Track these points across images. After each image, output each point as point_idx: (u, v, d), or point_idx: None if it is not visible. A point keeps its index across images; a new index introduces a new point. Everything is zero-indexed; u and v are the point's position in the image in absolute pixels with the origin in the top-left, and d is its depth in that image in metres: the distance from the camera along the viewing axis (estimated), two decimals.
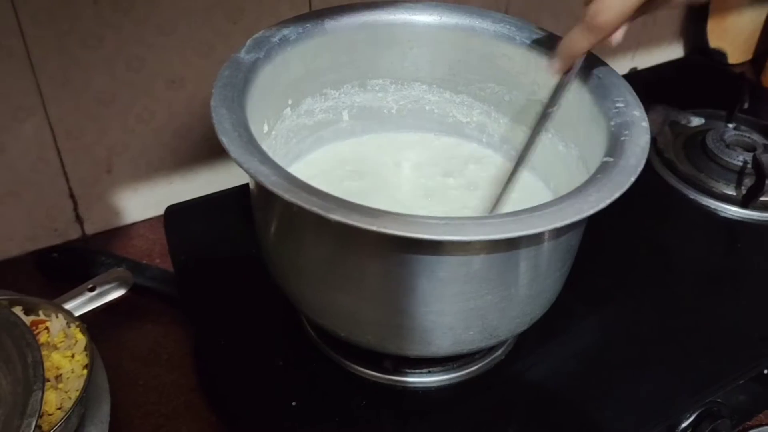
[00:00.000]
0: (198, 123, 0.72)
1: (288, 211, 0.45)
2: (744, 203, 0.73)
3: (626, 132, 0.45)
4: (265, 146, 0.53)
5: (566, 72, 0.50)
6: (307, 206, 0.37)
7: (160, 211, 0.71)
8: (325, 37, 0.56)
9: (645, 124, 0.46)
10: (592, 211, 0.39)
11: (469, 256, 0.41)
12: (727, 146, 0.78)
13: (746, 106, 0.85)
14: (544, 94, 0.55)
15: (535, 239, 0.42)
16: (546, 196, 0.59)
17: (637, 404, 0.54)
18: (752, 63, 1.13)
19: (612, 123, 0.47)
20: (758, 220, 0.73)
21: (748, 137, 0.80)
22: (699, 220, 0.74)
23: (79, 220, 0.71)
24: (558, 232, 0.43)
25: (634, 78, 1.04)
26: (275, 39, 0.53)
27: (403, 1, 0.58)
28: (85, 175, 0.68)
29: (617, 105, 0.48)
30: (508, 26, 0.55)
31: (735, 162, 0.76)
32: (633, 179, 0.41)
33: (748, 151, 0.78)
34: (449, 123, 0.63)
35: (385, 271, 0.43)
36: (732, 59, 1.11)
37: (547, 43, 0.54)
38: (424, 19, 0.58)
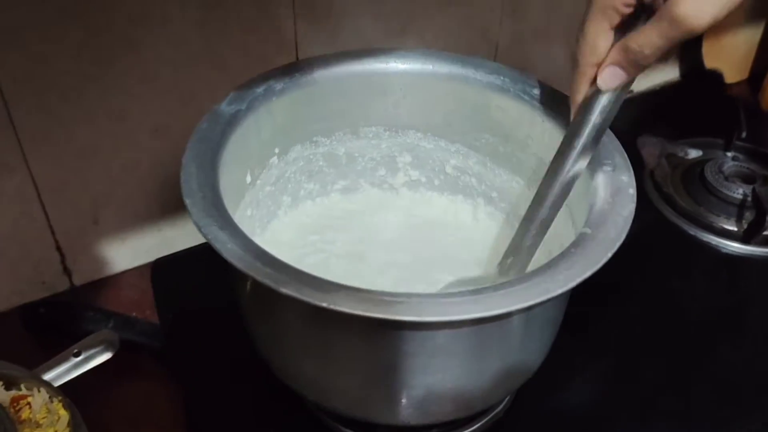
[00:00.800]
0: None
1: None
2: (745, 239, 0.72)
3: (610, 200, 0.43)
4: (248, 197, 0.53)
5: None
6: (259, 278, 0.37)
7: (150, 258, 0.70)
8: (314, 86, 0.54)
9: (632, 191, 0.44)
10: (560, 291, 0.37)
11: (432, 331, 0.40)
12: (726, 179, 0.77)
13: (744, 134, 0.84)
14: (538, 148, 0.53)
15: (501, 316, 0.40)
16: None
17: None
18: (749, 82, 1.12)
19: (596, 188, 0.45)
20: (761, 256, 0.71)
21: (747, 168, 0.79)
22: (700, 258, 0.72)
23: (66, 272, 0.69)
24: (528, 308, 0.41)
25: (630, 103, 1.03)
26: (260, 90, 0.52)
27: (394, 50, 0.56)
28: (71, 227, 0.66)
29: (605, 168, 0.46)
30: (502, 78, 0.54)
31: (734, 195, 0.75)
32: (610, 255, 0.39)
33: (748, 183, 0.76)
34: (447, 173, 0.62)
35: (345, 341, 0.42)
36: (729, 78, 1.10)
37: (541, 97, 0.52)
38: (417, 68, 0.56)
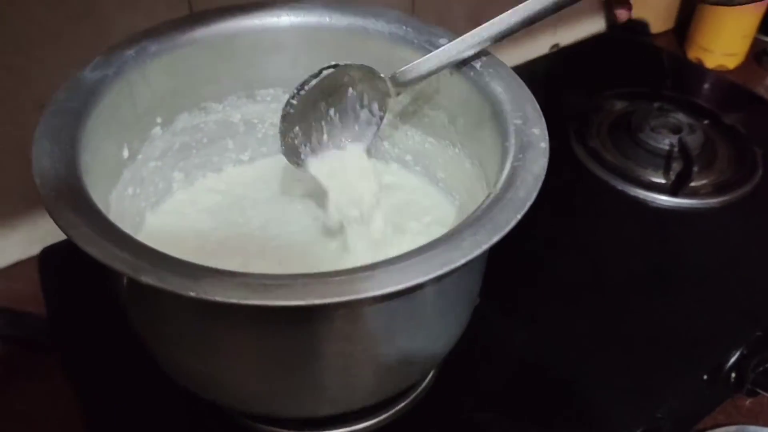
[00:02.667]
0: None
1: None
2: (673, 191, 0.69)
3: (520, 156, 0.39)
4: (128, 173, 0.47)
5: None
6: (114, 265, 0.32)
7: (46, 245, 0.64)
8: (194, 45, 0.48)
9: (544, 144, 0.40)
10: (463, 261, 0.33)
11: (326, 314, 0.35)
12: (653, 129, 0.74)
13: (669, 83, 0.81)
14: (448, 103, 0.49)
15: (399, 293, 0.35)
16: (450, 215, 0.53)
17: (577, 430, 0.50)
18: (674, 31, 1.10)
19: (506, 144, 0.41)
20: (689, 208, 0.69)
21: (673, 117, 0.77)
22: (628, 213, 0.69)
23: None
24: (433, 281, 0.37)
25: (556, 57, 1.00)
26: (130, 52, 0.45)
27: (286, 2, 0.51)
28: None
29: (515, 121, 0.42)
30: (404, 27, 0.49)
31: (661, 146, 0.73)
32: (519, 217, 0.35)
33: (675, 133, 0.74)
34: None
35: (231, 332, 0.37)
36: (654, 28, 1.08)
37: (449, 47, 0.47)
38: (312, 20, 0.51)
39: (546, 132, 0.41)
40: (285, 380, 0.39)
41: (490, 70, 0.45)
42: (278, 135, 0.56)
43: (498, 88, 0.44)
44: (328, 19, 0.50)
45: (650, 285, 0.62)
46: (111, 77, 0.43)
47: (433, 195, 0.55)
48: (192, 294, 0.30)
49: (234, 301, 0.30)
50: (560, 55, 1.00)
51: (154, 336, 0.41)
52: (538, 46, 1.00)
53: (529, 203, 0.36)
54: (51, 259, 0.60)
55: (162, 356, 0.43)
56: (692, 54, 1.01)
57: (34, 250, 0.66)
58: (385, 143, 0.57)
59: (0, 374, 0.56)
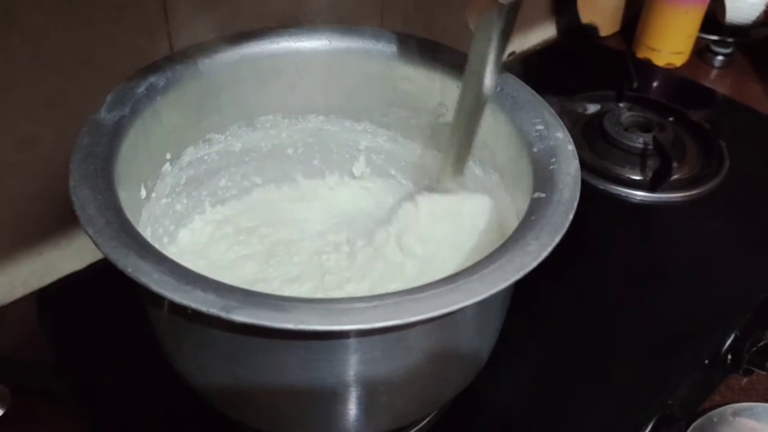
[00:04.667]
0: (61, 183, 0.62)
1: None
2: (652, 187, 0.72)
3: (552, 159, 0.41)
4: (146, 213, 0.47)
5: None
6: (204, 309, 0.31)
7: (31, 287, 0.62)
8: (199, 78, 0.48)
9: (571, 147, 0.42)
10: (535, 264, 0.34)
11: (404, 331, 0.36)
12: (626, 129, 0.77)
13: (635, 85, 0.84)
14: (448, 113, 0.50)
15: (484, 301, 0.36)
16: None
17: (592, 428, 0.51)
18: (621, 33, 1.15)
19: (535, 149, 0.42)
20: (668, 202, 0.72)
21: (642, 116, 0.80)
22: (611, 210, 0.72)
23: None
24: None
25: (515, 64, 1.03)
26: (141, 90, 0.45)
27: (285, 28, 0.51)
28: None
29: (537, 127, 0.44)
30: (406, 47, 0.50)
31: (636, 145, 0.76)
32: (571, 216, 0.37)
33: (646, 131, 0.77)
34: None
35: (299, 358, 0.37)
36: (603, 32, 1.12)
37: (452, 62, 0.49)
38: (312, 45, 0.51)
39: (569, 135, 0.43)
40: (336, 400, 0.39)
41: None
42: (278, 160, 0.57)
43: (510, 97, 0.46)
44: (328, 42, 0.51)
45: (643, 279, 0.64)
46: (128, 117, 0.42)
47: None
48: (290, 326, 0.30)
49: (335, 328, 0.30)
50: (518, 62, 1.02)
51: (196, 363, 0.41)
52: None
53: (575, 203, 0.38)
54: (49, 301, 0.58)
55: (197, 379, 0.42)
56: (641, 54, 1.05)
57: (19, 292, 0.64)
58: (381, 157, 0.58)
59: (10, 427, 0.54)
